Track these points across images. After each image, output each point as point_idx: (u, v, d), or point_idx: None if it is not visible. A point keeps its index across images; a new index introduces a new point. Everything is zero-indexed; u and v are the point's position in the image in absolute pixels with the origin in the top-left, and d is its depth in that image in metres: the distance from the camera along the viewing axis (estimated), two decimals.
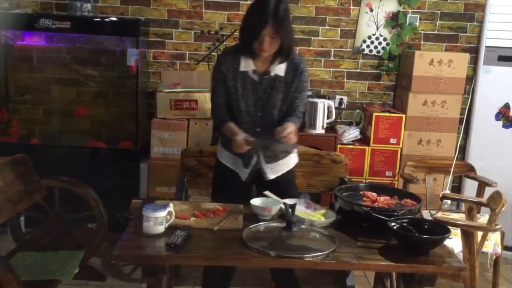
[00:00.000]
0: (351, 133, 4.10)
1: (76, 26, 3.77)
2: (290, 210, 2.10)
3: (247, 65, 2.38)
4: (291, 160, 2.60)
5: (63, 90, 4.24)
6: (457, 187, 4.34)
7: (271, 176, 2.54)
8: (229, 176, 2.56)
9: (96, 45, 4.15)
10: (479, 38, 4.20)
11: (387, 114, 4.03)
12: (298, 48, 4.26)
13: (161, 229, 2.00)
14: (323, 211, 2.33)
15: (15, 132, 4.11)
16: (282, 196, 2.39)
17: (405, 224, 2.01)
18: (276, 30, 2.22)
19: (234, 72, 2.40)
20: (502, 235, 3.08)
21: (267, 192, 2.41)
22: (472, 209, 2.74)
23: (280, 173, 2.56)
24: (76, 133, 4.24)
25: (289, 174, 2.62)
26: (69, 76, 4.21)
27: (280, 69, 2.39)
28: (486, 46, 4.02)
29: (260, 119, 2.45)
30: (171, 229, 2.01)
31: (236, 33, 4.20)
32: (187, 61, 4.29)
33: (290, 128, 2.29)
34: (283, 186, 2.56)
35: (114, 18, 3.99)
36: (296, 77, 2.42)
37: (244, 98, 2.42)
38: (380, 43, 4.28)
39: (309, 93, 2.41)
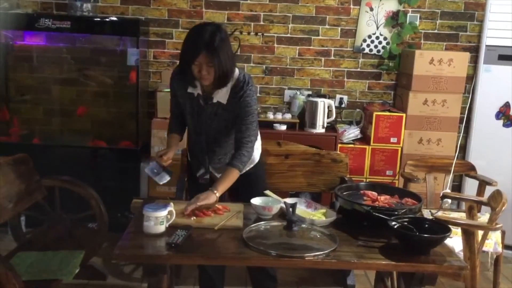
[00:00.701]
0: (352, 132, 4.10)
1: (76, 26, 3.77)
2: (290, 209, 2.10)
3: (193, 87, 2.39)
4: (253, 158, 2.58)
5: (63, 89, 4.24)
6: (457, 186, 4.34)
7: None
8: (194, 174, 2.62)
9: (97, 45, 4.16)
10: (479, 37, 4.20)
11: (388, 113, 4.03)
12: (298, 47, 4.27)
13: (161, 228, 2.00)
14: (323, 210, 2.33)
15: (15, 132, 4.11)
16: (250, 191, 2.38)
17: (405, 223, 2.01)
18: (210, 60, 2.19)
19: (183, 91, 2.42)
20: (503, 234, 3.08)
21: (267, 192, 2.41)
22: (472, 208, 2.74)
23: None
24: (76, 133, 4.24)
25: (258, 172, 2.63)
26: (69, 76, 4.22)
27: (222, 96, 2.36)
28: (486, 45, 4.01)
29: (204, 141, 2.49)
30: (171, 228, 2.02)
31: (236, 33, 4.20)
32: None
33: (202, 201, 2.20)
34: (251, 185, 2.54)
35: (114, 18, 3.99)
36: (238, 104, 2.36)
37: (190, 118, 2.47)
38: (380, 42, 4.28)
39: (258, 110, 2.43)
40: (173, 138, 2.54)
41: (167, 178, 2.37)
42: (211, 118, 2.42)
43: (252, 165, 2.60)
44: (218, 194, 2.23)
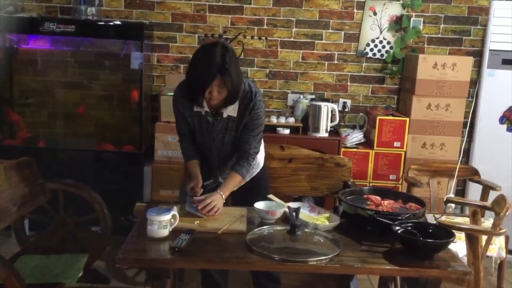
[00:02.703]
0: (355, 137, 4.10)
1: (81, 30, 3.78)
2: (294, 213, 2.10)
3: (200, 107, 2.36)
4: (257, 164, 2.62)
5: (67, 93, 4.25)
6: (461, 191, 4.33)
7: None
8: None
9: (101, 48, 4.17)
10: (483, 41, 4.20)
11: (391, 117, 4.02)
12: (301, 51, 4.28)
13: (165, 232, 2.01)
14: (327, 215, 2.33)
15: (22, 135, 4.12)
16: (253, 196, 2.39)
17: (409, 228, 2.01)
18: (223, 81, 2.18)
19: (189, 110, 2.41)
20: (507, 239, 3.07)
21: (271, 196, 2.41)
22: (476, 213, 2.73)
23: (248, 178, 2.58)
24: (80, 136, 4.25)
25: (262, 175, 2.65)
26: (73, 80, 4.23)
27: (233, 110, 2.37)
28: (490, 50, 4.01)
29: (215, 155, 2.50)
30: (175, 232, 2.02)
31: (240, 37, 4.21)
32: None
33: (210, 199, 2.25)
34: (256, 188, 2.57)
35: (118, 22, 4.00)
36: (249, 116, 2.38)
37: (201, 135, 2.46)
38: (383, 47, 4.28)
39: (265, 122, 2.50)
40: (194, 165, 2.49)
41: None
42: (222, 133, 2.43)
43: (258, 170, 2.61)
44: (224, 197, 2.29)
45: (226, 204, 2.36)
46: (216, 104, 2.29)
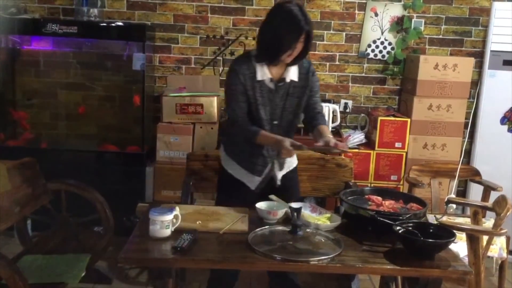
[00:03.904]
0: (356, 137, 4.11)
1: (83, 31, 3.80)
2: (295, 214, 2.10)
3: (263, 73, 2.37)
4: (293, 161, 2.66)
5: (70, 94, 4.27)
6: (462, 191, 4.34)
7: (279, 180, 2.57)
8: (235, 185, 2.55)
9: (103, 49, 4.19)
10: (484, 42, 4.21)
11: (392, 118, 4.03)
12: None
13: (167, 232, 2.02)
14: (328, 215, 2.34)
15: (26, 136, 4.14)
16: (288, 197, 2.41)
17: (410, 228, 2.01)
18: (308, 34, 2.27)
19: (251, 81, 2.37)
20: (508, 239, 3.07)
21: (272, 196, 2.42)
22: (477, 213, 2.74)
23: (285, 171, 2.60)
24: (82, 137, 4.26)
25: (294, 176, 2.66)
26: (75, 81, 4.24)
27: (293, 74, 2.41)
28: (491, 51, 4.02)
29: (277, 126, 2.45)
30: (177, 232, 2.03)
31: (242, 38, 4.22)
32: (192, 65, 4.31)
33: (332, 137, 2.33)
34: (289, 190, 2.58)
35: (120, 23, 4.02)
36: (310, 79, 2.47)
37: (263, 107, 2.41)
38: (385, 48, 4.29)
39: None
40: (268, 133, 2.38)
41: None
42: (283, 99, 2.43)
43: (293, 166, 2.65)
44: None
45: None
46: (279, 66, 2.37)
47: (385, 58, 4.30)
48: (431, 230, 2.04)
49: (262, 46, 2.34)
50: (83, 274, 2.55)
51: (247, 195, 2.52)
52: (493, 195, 2.90)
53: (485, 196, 3.30)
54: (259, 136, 2.35)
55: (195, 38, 4.27)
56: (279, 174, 2.56)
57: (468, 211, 3.29)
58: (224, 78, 4.26)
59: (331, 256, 1.91)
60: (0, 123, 4.07)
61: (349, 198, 2.35)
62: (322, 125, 2.48)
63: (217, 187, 2.72)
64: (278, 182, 2.56)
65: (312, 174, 3.06)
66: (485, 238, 2.73)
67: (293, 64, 2.39)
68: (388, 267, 1.91)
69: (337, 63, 4.33)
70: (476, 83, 4.19)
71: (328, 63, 4.32)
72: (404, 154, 4.04)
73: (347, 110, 4.34)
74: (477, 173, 3.53)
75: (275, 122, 2.45)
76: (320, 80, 4.29)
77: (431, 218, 2.80)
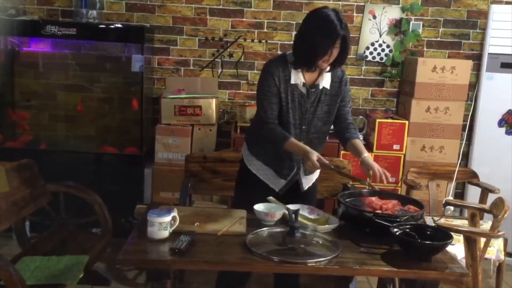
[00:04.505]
0: None
1: (82, 33, 3.80)
2: (293, 215, 2.11)
3: (297, 77, 2.37)
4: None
5: (68, 96, 4.27)
6: (460, 194, 4.35)
7: (306, 186, 2.58)
8: (257, 186, 2.53)
9: (102, 51, 4.19)
10: (482, 45, 4.22)
11: (390, 120, 4.04)
12: None
13: (165, 234, 2.02)
14: (326, 217, 2.34)
15: (26, 138, 4.14)
16: (309, 202, 2.48)
17: (407, 230, 2.02)
18: (344, 40, 2.24)
19: (285, 84, 2.37)
20: (505, 241, 3.08)
21: (270, 198, 2.42)
22: (475, 216, 2.75)
23: (311, 183, 2.61)
24: (81, 138, 4.26)
25: (316, 183, 2.68)
26: (74, 82, 4.25)
27: (326, 81, 2.42)
28: (489, 53, 4.03)
29: (305, 132, 2.45)
30: (175, 234, 2.03)
31: (240, 40, 4.23)
32: (191, 67, 4.32)
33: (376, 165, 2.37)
34: (311, 195, 2.62)
35: (119, 25, 4.02)
36: (342, 88, 2.46)
37: (293, 111, 2.40)
38: (383, 50, 4.30)
39: None
40: (296, 142, 2.36)
41: None
42: (314, 105, 2.42)
43: (317, 176, 2.65)
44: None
45: None
46: (314, 72, 2.37)
47: (383, 61, 4.31)
48: (428, 232, 2.04)
49: (299, 51, 2.33)
50: (81, 275, 2.54)
51: (269, 195, 2.46)
52: (491, 197, 2.91)
53: (483, 198, 3.31)
54: (287, 143, 2.33)
55: (194, 40, 4.28)
56: (304, 179, 2.56)
57: (466, 213, 3.30)
58: (223, 80, 4.31)
59: (328, 258, 1.92)
60: None
61: (347, 200, 2.36)
62: (356, 139, 2.47)
63: (236, 183, 2.68)
64: (305, 187, 2.56)
65: None
66: (482, 240, 2.74)
67: (331, 70, 2.40)
68: (386, 269, 1.91)
69: None
70: (474, 86, 4.20)
71: None
72: (402, 156, 4.04)
73: None
74: (474, 175, 3.54)
75: (304, 127, 2.44)
76: None
77: (428, 220, 2.81)
